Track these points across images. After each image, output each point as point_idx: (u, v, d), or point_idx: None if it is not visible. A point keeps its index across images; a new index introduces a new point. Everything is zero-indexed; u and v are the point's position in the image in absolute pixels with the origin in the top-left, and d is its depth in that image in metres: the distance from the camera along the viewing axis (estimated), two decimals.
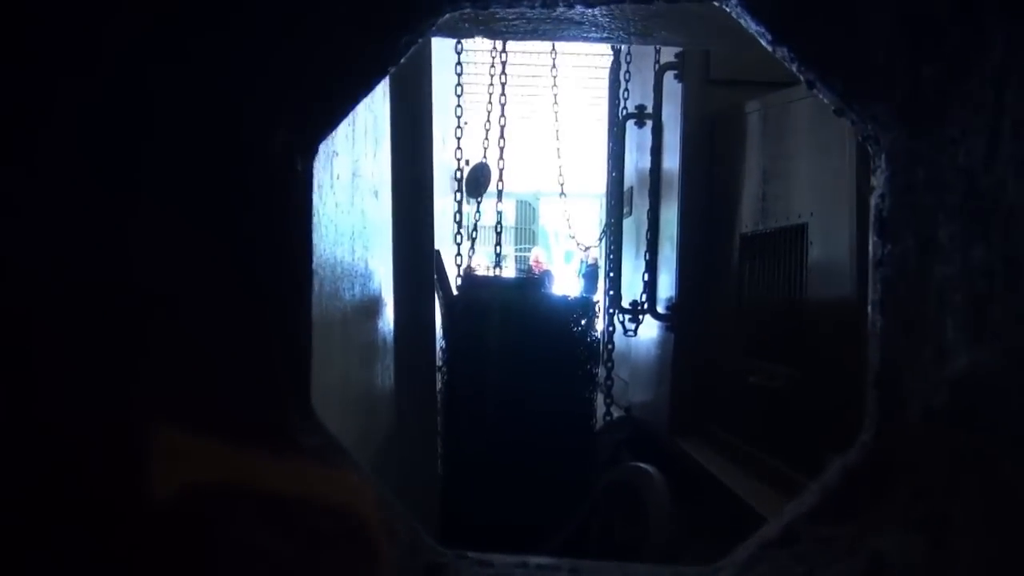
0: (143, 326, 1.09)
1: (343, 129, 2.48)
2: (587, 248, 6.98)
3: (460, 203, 5.00)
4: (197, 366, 1.11)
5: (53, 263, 1.05)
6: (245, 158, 1.06)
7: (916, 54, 0.97)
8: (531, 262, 16.03)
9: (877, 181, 1.15)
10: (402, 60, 1.20)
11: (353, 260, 2.69)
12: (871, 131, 1.14)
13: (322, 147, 1.92)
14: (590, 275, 13.98)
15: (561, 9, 1.41)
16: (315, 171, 1.86)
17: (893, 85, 1.01)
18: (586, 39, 2.63)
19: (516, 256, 19.00)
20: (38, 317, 1.05)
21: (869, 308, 1.19)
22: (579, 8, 1.63)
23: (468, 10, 1.16)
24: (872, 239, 1.20)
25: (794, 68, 1.18)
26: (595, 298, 4.32)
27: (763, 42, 1.17)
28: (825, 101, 1.28)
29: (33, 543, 0.99)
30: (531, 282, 5.42)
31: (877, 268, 1.18)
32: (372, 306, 3.22)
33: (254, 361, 1.18)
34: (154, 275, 1.05)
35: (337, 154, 2.37)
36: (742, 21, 1.18)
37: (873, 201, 1.17)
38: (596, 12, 2.10)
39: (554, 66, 5.30)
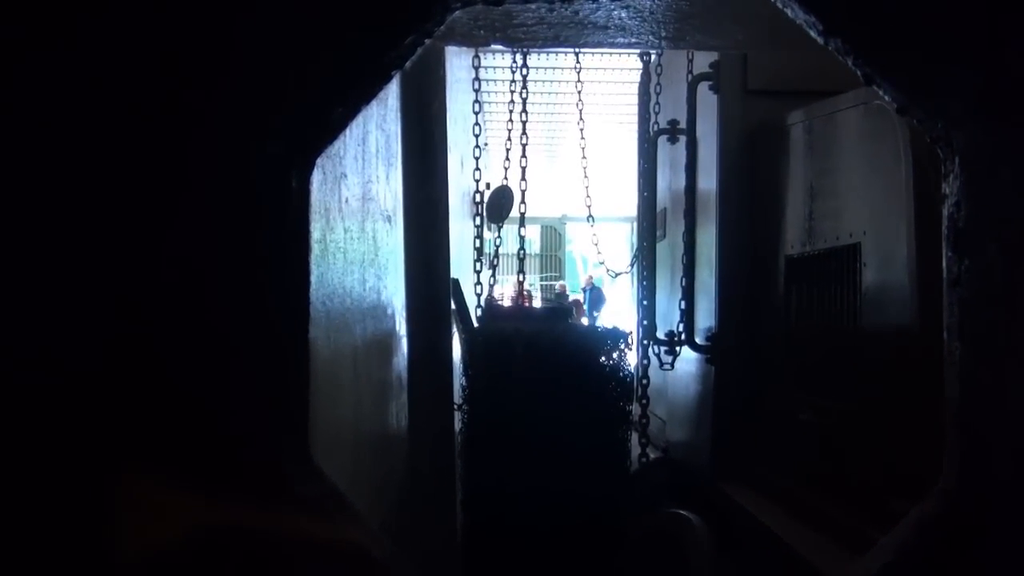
0: (115, 366, 1.03)
1: (352, 149, 2.45)
2: (617, 274, 6.89)
3: (480, 228, 4.96)
4: (177, 409, 1.05)
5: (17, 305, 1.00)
6: (229, 173, 1.00)
7: (998, 33, 0.89)
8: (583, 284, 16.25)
9: (950, 187, 1.07)
10: (408, 64, 1.15)
11: (364, 291, 2.65)
12: (941, 130, 1.05)
13: (328, 168, 1.88)
14: (592, 299, 14.00)
15: (583, 5, 1.36)
16: (322, 194, 1.82)
17: (969, 73, 0.93)
18: (612, 45, 2.58)
19: (542, 285, 18.99)
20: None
21: (945, 334, 1.10)
22: (604, 7, 1.57)
23: (479, 6, 1.10)
24: (945, 254, 1.11)
25: (849, 62, 1.10)
26: (628, 329, 4.25)
27: (813, 33, 1.10)
28: (885, 99, 1.20)
29: None
30: (558, 312, 5.35)
31: (953, 288, 1.09)
32: (385, 340, 3.17)
33: (243, 403, 1.12)
34: (127, 304, 1.00)
35: (346, 176, 2.34)
36: (788, 10, 1.11)
37: (946, 211, 1.09)
38: (623, 14, 2.05)
39: (579, 80, 5.28)
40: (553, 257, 20.34)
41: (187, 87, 1.04)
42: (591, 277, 17.36)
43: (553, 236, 20.45)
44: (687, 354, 4.62)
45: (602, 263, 6.52)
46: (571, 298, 15.64)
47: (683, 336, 4.53)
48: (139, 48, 1.03)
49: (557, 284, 16.59)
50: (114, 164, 1.05)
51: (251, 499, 1.08)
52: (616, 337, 3.83)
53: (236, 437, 1.12)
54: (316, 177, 1.66)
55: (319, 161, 1.43)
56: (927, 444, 1.48)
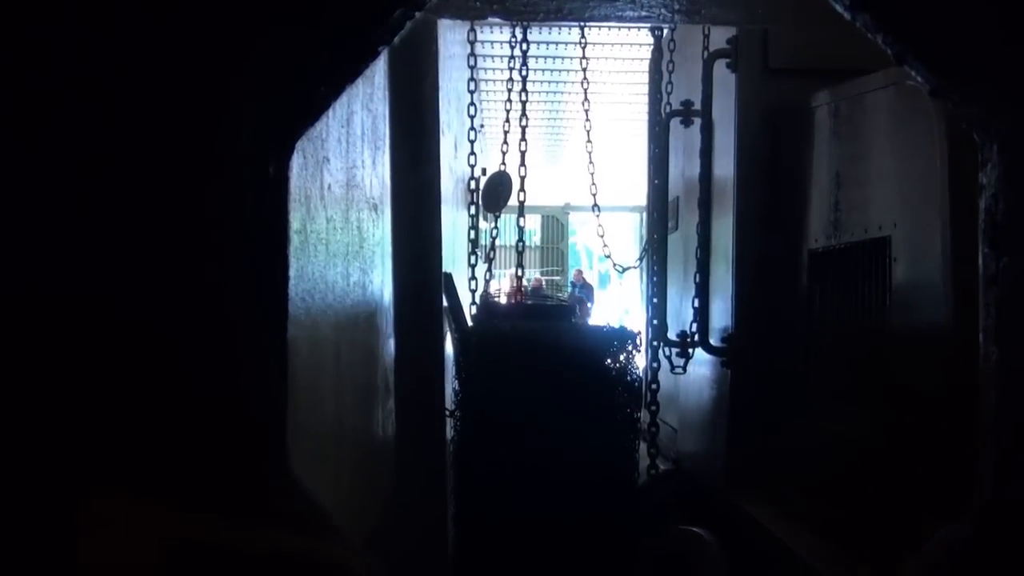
0: (76, 375, 1.03)
1: (336, 132, 2.45)
2: (625, 269, 6.90)
3: (476, 218, 4.97)
4: (143, 416, 1.05)
5: None
6: (198, 159, 1.00)
7: None
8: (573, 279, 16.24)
9: (988, 178, 1.07)
10: (397, 38, 1.15)
11: (348, 286, 2.65)
12: (978, 115, 1.06)
13: (309, 152, 1.88)
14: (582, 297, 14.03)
15: None
16: (302, 180, 1.82)
17: (1009, 53, 0.93)
18: (621, 19, 2.58)
19: (544, 280, 19.00)
20: None
21: (981, 337, 1.10)
22: None
23: None
24: (982, 251, 1.11)
25: (878, 39, 1.10)
26: (636, 329, 4.25)
27: (839, 8, 1.10)
28: (917, 81, 1.20)
29: None
30: (560, 310, 5.35)
31: (990, 287, 1.09)
32: (371, 340, 3.17)
33: (214, 409, 1.12)
34: (83, 304, 1.00)
35: (328, 161, 2.34)
36: None
37: (983, 203, 1.09)
38: None
39: (584, 57, 5.28)
40: (555, 250, 20.33)
41: (148, 65, 1.04)
42: (580, 272, 17.35)
43: (555, 227, 20.44)
44: (701, 356, 4.62)
45: (608, 257, 6.52)
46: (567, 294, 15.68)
47: (696, 337, 4.53)
48: (90, 25, 1.03)
49: (533, 278, 16.18)
50: (61, 155, 1.05)
51: (223, 513, 1.08)
52: (623, 338, 3.84)
53: (207, 446, 1.12)
54: (296, 162, 1.66)
55: (299, 145, 1.43)
56: (961, 456, 1.49)
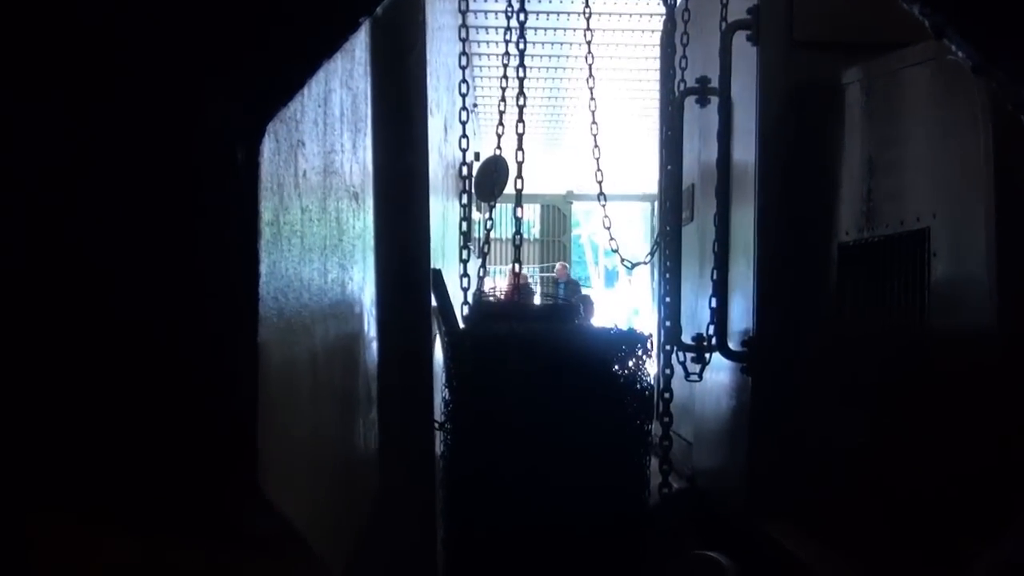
0: (25, 383, 1.03)
1: (312, 112, 2.45)
2: (634, 265, 6.90)
3: (468, 208, 4.97)
4: (97, 430, 1.05)
5: None
6: (155, 143, 1.00)
7: None
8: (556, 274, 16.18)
9: None
10: (379, 8, 1.15)
11: (326, 283, 2.65)
12: None
13: (283, 135, 1.88)
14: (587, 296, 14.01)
15: None
16: (274, 166, 1.82)
17: None
18: None
19: (542, 276, 19.03)
20: None
21: None
22: None
23: None
24: None
25: (915, 10, 1.11)
26: (647, 332, 4.26)
27: None
28: (958, 56, 1.21)
29: None
30: (562, 311, 5.35)
31: None
32: (351, 344, 3.17)
33: (177, 422, 1.12)
34: (27, 306, 1.00)
35: (303, 144, 2.34)
36: None
37: None
38: None
39: (588, 28, 5.27)
40: (556, 243, 20.38)
41: (103, 41, 1.03)
42: (564, 267, 17.29)
43: (557, 218, 20.49)
44: (719, 362, 4.62)
45: (616, 251, 6.51)
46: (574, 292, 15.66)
47: (714, 340, 4.53)
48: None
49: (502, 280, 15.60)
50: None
51: (187, 537, 1.08)
52: (633, 341, 3.84)
53: (167, 462, 1.12)
54: (267, 146, 1.66)
55: (271, 127, 1.43)
56: (1009, 472, 1.49)
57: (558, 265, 17.81)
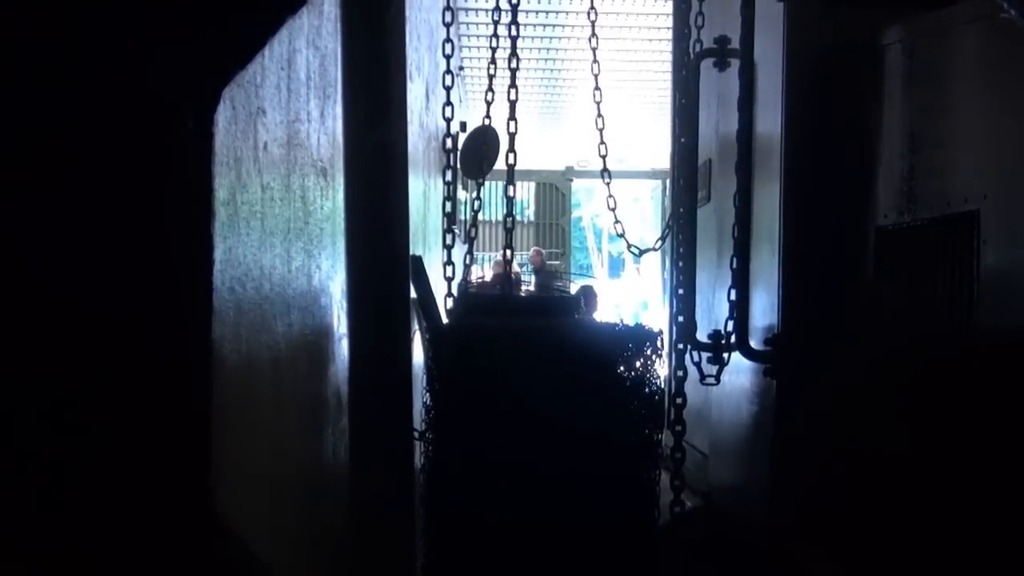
0: None
1: (274, 75, 2.45)
2: (642, 252, 6.89)
3: (452, 187, 4.96)
4: (26, 438, 1.05)
5: None
6: (97, 110, 0.99)
7: None
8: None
9: None
10: None
11: (289, 272, 2.65)
12: None
13: (240, 102, 1.87)
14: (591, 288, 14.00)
15: None
16: (231, 137, 1.81)
17: None
18: None
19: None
20: None
21: None
22: None
23: None
24: None
25: None
26: (657, 328, 4.26)
27: None
28: (1011, 14, 1.21)
29: None
30: (560, 304, 5.34)
31: None
32: (318, 341, 3.17)
33: (118, 429, 1.12)
34: None
35: (264, 113, 2.33)
36: None
37: None
38: None
39: None
40: (554, 227, 20.39)
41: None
42: (539, 253, 17.19)
43: (554, 198, 20.49)
44: (738, 363, 4.63)
45: (622, 236, 6.51)
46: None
47: (733, 338, 4.54)
48: None
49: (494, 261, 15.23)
50: None
51: (129, 562, 1.08)
52: (642, 339, 3.84)
53: (108, 477, 1.12)
54: (223, 115, 1.65)
55: (227, 93, 1.42)
56: None
57: (531, 250, 17.64)
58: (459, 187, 5.63)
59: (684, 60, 5.41)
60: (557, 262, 18.95)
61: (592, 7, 5.20)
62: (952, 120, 3.44)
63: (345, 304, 3.55)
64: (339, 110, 3.46)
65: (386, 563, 3.72)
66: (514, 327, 3.88)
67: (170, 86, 1.10)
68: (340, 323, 3.48)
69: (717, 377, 4.68)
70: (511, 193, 4.63)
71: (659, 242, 6.86)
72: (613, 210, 5.87)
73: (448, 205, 4.93)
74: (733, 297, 4.55)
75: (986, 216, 3.18)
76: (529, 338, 3.77)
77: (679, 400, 4.52)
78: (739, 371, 4.69)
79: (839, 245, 4.12)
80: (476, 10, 10.01)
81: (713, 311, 4.91)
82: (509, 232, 4.64)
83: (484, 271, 13.46)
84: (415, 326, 4.40)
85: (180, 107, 1.15)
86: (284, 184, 2.57)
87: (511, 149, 4.54)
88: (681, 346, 4.84)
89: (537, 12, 10.48)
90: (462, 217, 7.98)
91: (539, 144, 16.04)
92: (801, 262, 4.29)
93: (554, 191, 20.36)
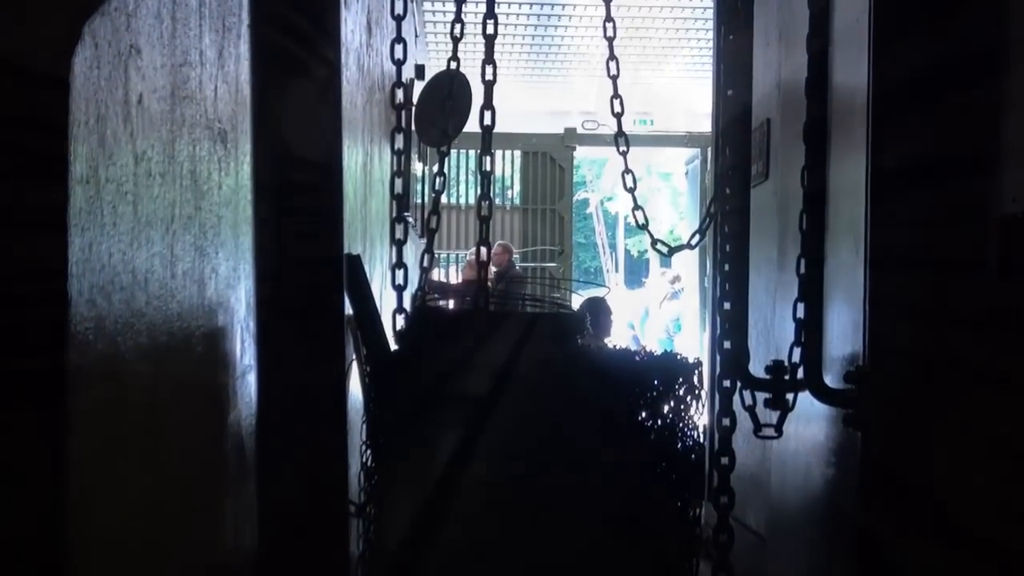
0: None
1: (153, 1, 2.46)
2: (672, 250, 6.83)
3: (405, 156, 4.97)
4: None
5: None
6: None
7: None
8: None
9: None
10: None
11: (173, 279, 2.66)
12: None
13: (104, 36, 1.89)
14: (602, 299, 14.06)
15: None
16: (91, 88, 1.83)
17: None
18: None
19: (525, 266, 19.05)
20: None
21: None
22: None
23: None
24: None
25: None
26: (694, 358, 4.28)
27: None
28: None
29: None
30: (557, 325, 5.34)
31: None
32: (215, 378, 3.18)
33: None
34: None
35: (140, 53, 2.35)
36: None
37: None
38: None
39: None
40: (548, 213, 20.34)
41: None
42: (506, 249, 17.11)
43: (550, 173, 20.46)
44: (808, 407, 4.64)
45: (644, 227, 6.49)
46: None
47: (801, 372, 4.56)
48: None
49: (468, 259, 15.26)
50: None
51: None
52: (672, 374, 3.87)
53: None
54: (81, 56, 1.66)
55: (88, 27, 1.43)
56: None
57: (497, 246, 17.39)
58: (414, 158, 5.64)
59: None
60: (554, 264, 18.84)
61: None
62: None
63: (252, 324, 3.55)
64: (245, 49, 3.47)
65: None
66: (491, 359, 3.87)
67: (9, 20, 1.11)
68: (245, 351, 3.48)
69: (779, 428, 4.68)
70: (487, 167, 4.63)
71: (697, 237, 6.87)
72: (632, 191, 5.88)
73: (399, 184, 4.94)
74: (801, 315, 4.57)
75: None
76: (513, 374, 3.77)
77: (724, 460, 4.54)
78: (810, 419, 4.71)
79: (949, 240, 4.14)
80: None
81: (773, 334, 4.93)
82: (484, 221, 4.62)
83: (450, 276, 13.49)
84: (351, 354, 4.40)
85: (22, 48, 1.16)
86: (167, 153, 2.58)
87: (487, 105, 4.55)
88: (728, 383, 4.84)
89: None
90: (418, 201, 8.00)
91: (528, 98, 16.07)
92: (896, 265, 4.30)
93: (549, 163, 20.25)
